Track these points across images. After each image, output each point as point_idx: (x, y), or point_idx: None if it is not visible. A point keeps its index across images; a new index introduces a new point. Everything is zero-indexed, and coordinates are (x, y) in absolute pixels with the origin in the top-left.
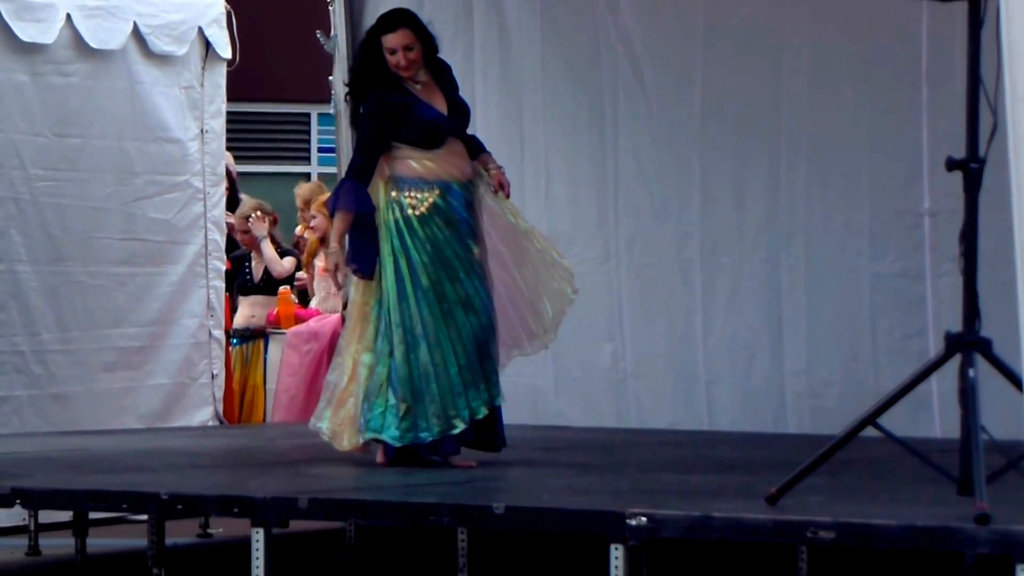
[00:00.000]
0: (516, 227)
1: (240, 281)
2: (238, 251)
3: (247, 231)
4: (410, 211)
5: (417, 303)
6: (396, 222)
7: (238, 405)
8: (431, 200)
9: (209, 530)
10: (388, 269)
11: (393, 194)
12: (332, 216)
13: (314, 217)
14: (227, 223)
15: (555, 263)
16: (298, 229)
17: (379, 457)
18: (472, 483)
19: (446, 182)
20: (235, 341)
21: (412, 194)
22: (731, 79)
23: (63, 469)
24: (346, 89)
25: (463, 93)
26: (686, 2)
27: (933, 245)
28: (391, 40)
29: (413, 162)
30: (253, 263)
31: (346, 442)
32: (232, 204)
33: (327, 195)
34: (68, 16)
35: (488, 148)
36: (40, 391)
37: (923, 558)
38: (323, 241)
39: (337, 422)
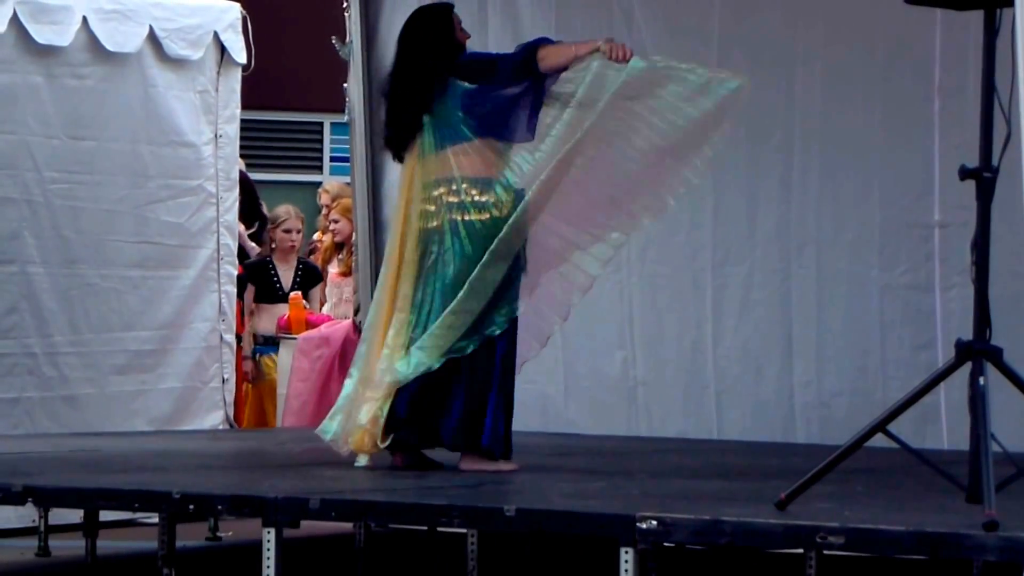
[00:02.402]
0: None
1: (266, 289)
2: (254, 259)
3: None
4: (480, 215)
5: (431, 312)
6: (452, 224)
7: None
8: (507, 206)
9: (219, 533)
10: (438, 269)
11: (465, 192)
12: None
13: (336, 221)
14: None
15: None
16: (316, 235)
17: (396, 459)
18: (483, 486)
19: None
20: (266, 349)
21: (485, 196)
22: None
23: (75, 469)
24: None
25: None
26: (701, 13)
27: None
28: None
29: (483, 158)
30: (280, 271)
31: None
32: (252, 213)
33: (349, 198)
34: (84, 19)
35: None
36: (51, 393)
37: (930, 565)
38: (339, 246)
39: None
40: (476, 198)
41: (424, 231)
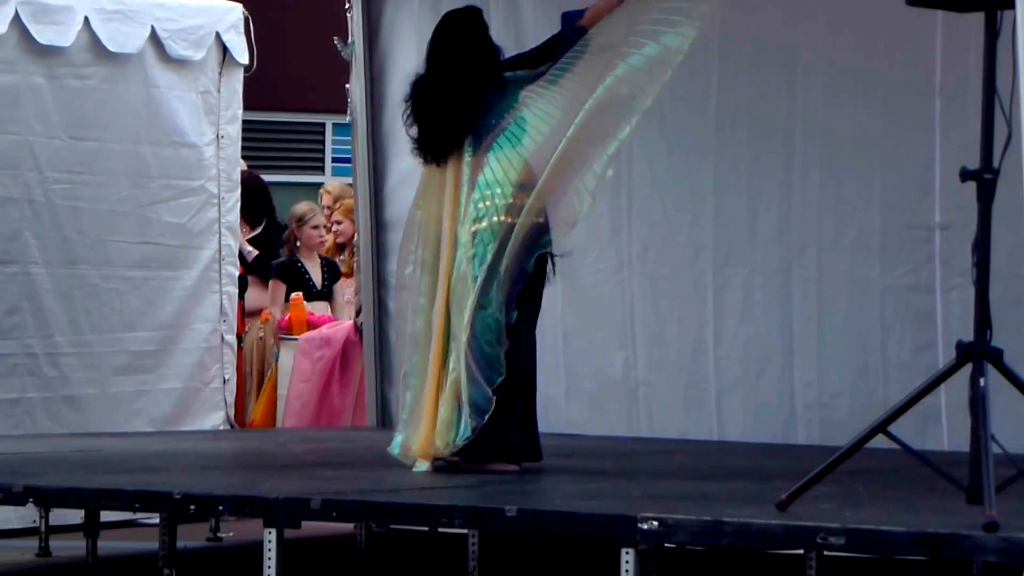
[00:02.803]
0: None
1: (298, 288)
2: (283, 259)
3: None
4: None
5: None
6: (501, 225)
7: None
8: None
9: (219, 534)
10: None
11: (514, 196)
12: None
13: (339, 222)
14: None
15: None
16: None
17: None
18: (484, 487)
19: None
20: None
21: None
22: (746, 91)
23: (76, 469)
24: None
25: None
26: None
27: None
28: None
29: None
30: (309, 268)
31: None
32: (258, 215)
33: (351, 199)
34: (86, 19)
35: None
36: (52, 393)
37: (930, 566)
38: (341, 248)
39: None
40: (522, 202)
41: (475, 233)
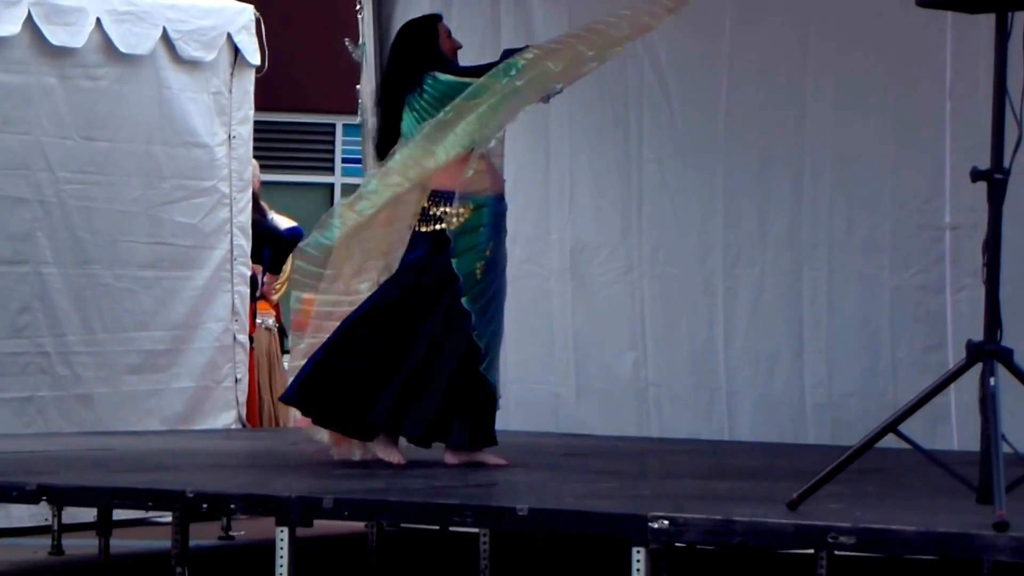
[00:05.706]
0: None
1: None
2: None
3: None
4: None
5: None
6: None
7: None
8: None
9: (231, 532)
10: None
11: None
12: None
13: None
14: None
15: None
16: None
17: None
18: (495, 486)
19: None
20: None
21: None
22: (756, 91)
23: (88, 467)
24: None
25: None
26: (713, 14)
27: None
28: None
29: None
30: None
31: None
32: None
33: None
34: (98, 20)
35: (513, 159)
36: (65, 392)
37: (939, 566)
38: None
39: None
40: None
41: None
